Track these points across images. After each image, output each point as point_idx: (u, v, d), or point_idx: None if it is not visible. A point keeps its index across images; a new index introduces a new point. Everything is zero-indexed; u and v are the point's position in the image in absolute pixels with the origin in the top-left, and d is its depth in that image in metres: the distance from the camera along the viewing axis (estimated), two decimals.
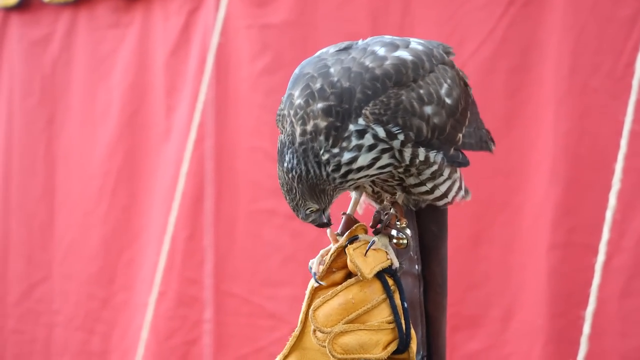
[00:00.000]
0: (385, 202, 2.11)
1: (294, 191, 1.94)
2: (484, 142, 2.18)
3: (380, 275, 1.98)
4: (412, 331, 1.99)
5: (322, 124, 1.89)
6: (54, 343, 5.07)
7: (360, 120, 1.89)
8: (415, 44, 2.02)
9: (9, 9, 5.20)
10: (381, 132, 1.90)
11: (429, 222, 2.18)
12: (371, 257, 1.98)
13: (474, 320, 3.77)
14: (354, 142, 1.89)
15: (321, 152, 1.89)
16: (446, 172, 2.03)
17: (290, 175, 1.92)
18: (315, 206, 1.96)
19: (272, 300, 4.30)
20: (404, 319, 1.97)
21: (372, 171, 1.94)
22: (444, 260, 2.20)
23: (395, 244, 2.06)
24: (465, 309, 3.78)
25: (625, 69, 3.45)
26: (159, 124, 4.74)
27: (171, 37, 4.70)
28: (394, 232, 2.07)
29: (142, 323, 4.58)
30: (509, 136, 3.73)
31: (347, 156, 1.90)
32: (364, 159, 1.91)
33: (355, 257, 1.96)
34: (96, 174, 4.91)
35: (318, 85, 1.91)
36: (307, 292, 2.01)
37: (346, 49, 2.01)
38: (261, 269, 4.34)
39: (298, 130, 1.91)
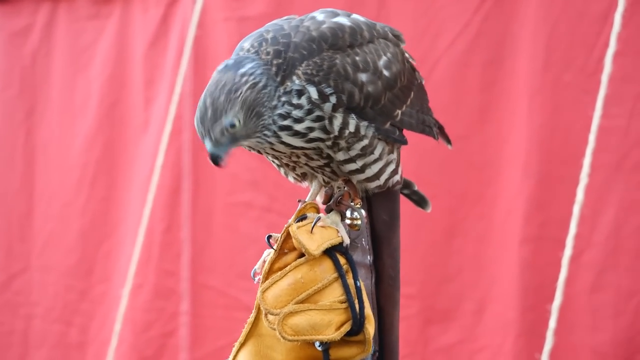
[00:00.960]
0: (339, 181, 2.06)
1: (233, 95, 1.85)
2: (427, 127, 2.16)
3: (331, 254, 1.93)
4: (369, 312, 1.94)
5: (274, 61, 1.89)
6: (32, 335, 5.06)
7: (295, 79, 1.90)
8: (357, 16, 2.05)
9: None
10: (314, 93, 1.89)
11: (380, 211, 2.12)
12: (318, 234, 1.93)
13: (447, 314, 3.79)
14: (295, 100, 1.89)
15: (276, 91, 1.88)
16: (378, 151, 2.00)
17: (244, 79, 1.86)
18: (238, 121, 1.85)
19: (249, 293, 4.30)
20: (357, 299, 1.92)
21: (298, 142, 1.90)
22: (396, 251, 2.13)
23: (349, 225, 2.02)
24: (439, 302, 3.80)
25: (597, 65, 3.46)
26: (138, 116, 4.74)
27: (150, 29, 4.69)
28: (347, 212, 2.03)
29: (120, 314, 4.58)
30: (483, 130, 3.75)
31: (297, 114, 1.89)
32: (302, 126, 1.90)
33: (299, 234, 1.90)
34: (75, 165, 4.91)
35: (270, 35, 1.93)
36: (262, 277, 1.95)
37: (291, 18, 2.03)
38: (238, 262, 4.35)
39: (262, 58, 1.90)
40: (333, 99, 1.90)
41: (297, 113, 1.89)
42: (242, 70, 1.88)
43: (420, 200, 2.37)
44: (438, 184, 3.77)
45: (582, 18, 3.54)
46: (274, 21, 2.02)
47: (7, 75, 5.19)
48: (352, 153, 1.97)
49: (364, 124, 1.95)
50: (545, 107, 3.60)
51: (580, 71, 3.54)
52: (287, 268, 1.91)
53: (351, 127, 1.94)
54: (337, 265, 1.93)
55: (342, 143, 1.95)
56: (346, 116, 1.92)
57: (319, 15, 1.99)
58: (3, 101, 5.18)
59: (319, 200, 2.10)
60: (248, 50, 1.93)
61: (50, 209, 5.02)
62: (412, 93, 2.09)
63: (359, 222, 2.03)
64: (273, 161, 2.08)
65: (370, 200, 2.10)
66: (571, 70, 3.56)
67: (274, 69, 1.89)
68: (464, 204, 3.77)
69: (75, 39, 4.99)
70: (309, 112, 1.90)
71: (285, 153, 1.97)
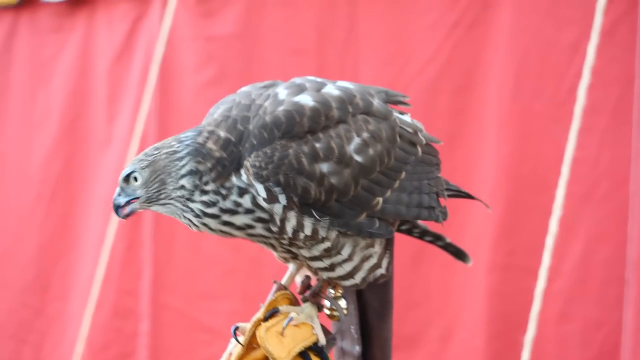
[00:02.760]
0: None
1: (151, 152, 1.78)
2: (425, 209, 1.90)
3: (304, 355, 1.79)
4: None
5: (216, 153, 1.74)
6: None
7: (242, 173, 1.72)
8: (333, 88, 1.79)
9: None
10: (262, 191, 1.70)
11: (370, 298, 1.98)
12: (290, 335, 1.77)
13: (414, 340, 3.78)
14: (234, 197, 1.72)
15: (206, 183, 1.72)
16: (346, 251, 1.78)
17: (170, 143, 1.78)
18: (140, 183, 1.78)
19: (210, 314, 4.25)
20: None
21: (238, 233, 1.76)
22: (386, 343, 2.02)
23: (328, 315, 1.88)
24: (405, 328, 3.78)
25: (567, 95, 3.48)
26: (100, 131, 4.68)
27: (114, 44, 4.64)
28: (326, 302, 1.87)
29: (77, 334, 4.51)
30: (452, 156, 3.75)
31: (226, 204, 1.72)
32: (238, 219, 1.73)
33: (267, 340, 1.75)
34: (33, 180, 4.83)
35: (234, 114, 1.77)
36: None
37: (271, 86, 1.85)
38: (200, 283, 4.30)
39: (200, 139, 1.75)
40: (283, 200, 1.70)
41: (226, 204, 1.72)
42: (182, 136, 1.78)
43: (457, 253, 2.20)
44: None
45: (553, 48, 3.56)
46: (250, 88, 1.85)
47: None
48: (315, 253, 1.78)
49: (323, 224, 1.72)
50: (514, 135, 3.62)
51: (549, 101, 3.55)
52: None
53: (307, 231, 1.74)
54: None
55: (299, 244, 1.76)
56: (300, 217, 1.72)
57: (282, 92, 1.77)
58: None
59: (299, 281, 1.94)
60: (215, 122, 1.77)
61: (6, 224, 4.94)
62: (404, 173, 1.84)
63: (337, 313, 1.89)
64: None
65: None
66: (541, 99, 3.57)
67: (209, 163, 1.73)
68: (431, 229, 3.76)
69: (36, 52, 4.92)
70: (248, 211, 1.73)
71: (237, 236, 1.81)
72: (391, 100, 1.92)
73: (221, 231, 1.76)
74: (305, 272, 1.93)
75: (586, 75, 3.27)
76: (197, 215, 1.75)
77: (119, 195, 1.83)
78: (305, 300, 1.86)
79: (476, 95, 3.74)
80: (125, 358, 4.47)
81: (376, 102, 1.84)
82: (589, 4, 3.43)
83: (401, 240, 3.76)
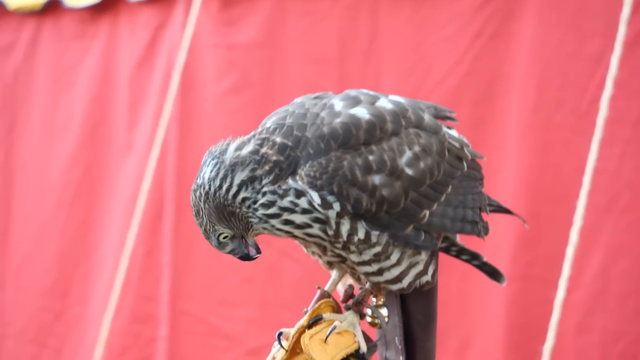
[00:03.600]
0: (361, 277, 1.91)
1: (201, 213, 1.81)
2: (469, 224, 1.95)
3: None
4: None
5: (274, 157, 1.77)
6: (4, 355, 4.99)
7: (298, 180, 1.75)
8: (387, 102, 1.83)
9: None
10: (316, 198, 1.74)
11: (414, 309, 2.00)
12: (333, 343, 1.82)
13: None
14: (291, 197, 1.76)
15: (263, 186, 1.76)
16: (395, 257, 1.83)
17: (197, 193, 1.80)
18: (227, 231, 1.82)
19: (228, 321, 4.26)
20: None
21: (298, 232, 1.79)
22: (430, 354, 2.02)
23: (370, 323, 1.92)
24: None
25: (590, 106, 3.48)
26: (121, 138, 4.71)
27: (137, 52, 4.67)
28: (368, 311, 1.91)
29: (95, 338, 4.53)
30: None
31: (283, 203, 1.76)
32: (297, 217, 1.77)
33: (311, 347, 1.80)
34: (54, 186, 4.86)
35: (290, 121, 1.80)
36: None
37: (324, 97, 1.88)
38: (218, 289, 4.31)
39: (249, 148, 1.79)
40: (337, 207, 1.75)
41: (284, 203, 1.76)
42: (198, 181, 1.81)
43: (493, 273, 2.21)
44: None
45: (575, 59, 3.56)
46: (303, 99, 1.89)
47: None
48: (365, 257, 1.82)
49: (375, 231, 1.77)
50: (535, 146, 3.61)
51: (571, 112, 3.54)
52: None
53: (360, 234, 1.78)
54: None
55: (352, 247, 1.80)
56: (354, 223, 1.76)
57: (338, 104, 1.80)
58: None
59: (341, 289, 1.98)
60: (267, 130, 1.80)
61: (27, 229, 4.97)
62: (450, 187, 1.88)
63: (379, 321, 1.92)
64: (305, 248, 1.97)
65: (404, 298, 1.97)
66: (563, 110, 3.56)
67: (267, 166, 1.76)
68: (469, 248, 3.75)
69: (59, 58, 4.96)
70: (305, 211, 1.76)
71: (294, 237, 1.85)
72: (439, 115, 1.97)
73: (286, 231, 1.80)
74: (348, 279, 1.97)
75: (609, 86, 3.26)
76: (263, 221, 1.79)
77: (237, 249, 1.87)
78: (348, 308, 1.90)
79: (497, 106, 3.74)
80: None
81: (427, 117, 1.88)
82: (613, 15, 3.42)
83: None
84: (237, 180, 1.78)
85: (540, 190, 3.59)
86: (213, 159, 1.81)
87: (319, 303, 1.88)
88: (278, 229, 1.79)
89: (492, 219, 3.66)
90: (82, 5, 4.78)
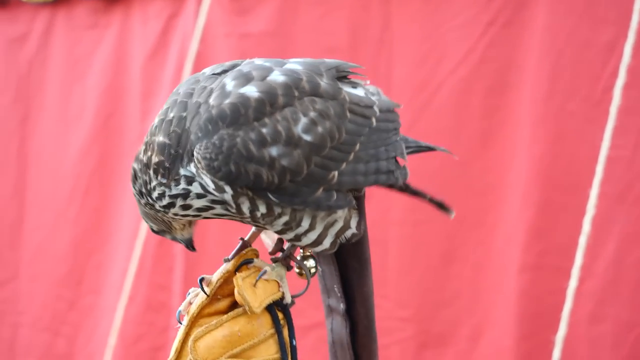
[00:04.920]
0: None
1: (140, 209, 1.86)
2: (383, 174, 1.91)
3: (270, 308, 1.85)
4: None
5: (155, 159, 1.77)
6: (18, 344, 5.02)
7: (192, 166, 1.74)
8: (279, 74, 1.80)
9: None
10: (210, 183, 1.74)
11: (348, 258, 2.01)
12: (261, 288, 1.83)
13: (443, 339, 3.78)
14: (182, 185, 1.75)
15: (151, 184, 1.77)
16: (306, 222, 1.82)
17: (135, 193, 1.84)
18: (155, 227, 1.88)
19: None
20: (292, 358, 1.85)
21: (205, 214, 1.80)
22: (368, 300, 2.02)
23: (298, 273, 1.94)
24: (435, 326, 3.79)
25: (603, 95, 3.46)
26: (134, 128, 4.72)
27: (149, 41, 4.68)
28: (295, 262, 1.93)
29: (109, 326, 4.55)
30: (484, 156, 3.75)
31: (172, 192, 1.77)
32: (195, 202, 1.77)
33: (244, 288, 1.80)
34: (68, 175, 4.88)
35: (170, 116, 1.79)
36: (186, 318, 1.86)
37: (222, 72, 1.85)
38: None
39: (140, 155, 1.82)
40: (229, 190, 1.74)
41: (173, 192, 1.77)
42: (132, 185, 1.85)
43: (441, 206, 2.16)
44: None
45: (588, 47, 3.54)
46: (197, 77, 1.87)
47: (2, 82, 5.16)
48: (277, 228, 1.82)
49: (276, 203, 1.77)
50: (547, 135, 3.60)
51: (584, 101, 3.53)
52: (225, 318, 1.82)
53: (262, 209, 1.77)
54: (276, 322, 1.85)
55: (260, 221, 1.80)
56: (254, 199, 1.75)
57: (229, 83, 1.77)
58: None
59: (266, 240, 1.99)
60: (151, 130, 1.83)
61: (41, 218, 4.99)
62: (358, 145, 1.85)
63: (304, 272, 1.94)
64: None
65: (339, 248, 1.95)
66: (575, 99, 3.55)
67: (151, 170, 1.78)
68: (463, 229, 3.76)
69: (72, 48, 4.97)
70: (200, 195, 1.76)
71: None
72: (343, 74, 1.93)
73: (193, 216, 1.82)
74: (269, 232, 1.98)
75: (622, 74, 3.25)
76: (163, 212, 1.82)
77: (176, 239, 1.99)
78: (274, 261, 1.91)
79: (510, 95, 3.72)
80: (156, 351, 4.50)
81: (324, 83, 1.84)
82: (626, 3, 3.41)
83: (431, 241, 3.78)
84: (136, 190, 1.82)
85: (552, 179, 3.58)
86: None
87: (246, 250, 1.89)
88: (183, 216, 1.81)
89: (505, 209, 3.67)
90: None
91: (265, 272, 1.84)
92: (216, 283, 1.85)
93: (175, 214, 1.80)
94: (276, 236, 1.95)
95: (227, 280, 1.86)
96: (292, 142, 1.75)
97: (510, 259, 3.62)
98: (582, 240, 3.23)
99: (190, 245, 1.96)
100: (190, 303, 1.89)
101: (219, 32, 4.40)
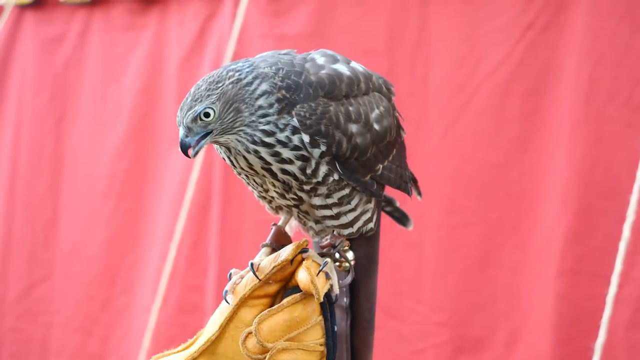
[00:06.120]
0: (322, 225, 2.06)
1: (214, 86, 1.89)
2: (404, 182, 2.16)
3: (323, 297, 1.96)
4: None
5: (282, 91, 1.89)
6: (51, 343, 5.04)
7: (294, 118, 1.89)
8: (356, 64, 2.03)
9: (24, 7, 5.19)
10: (306, 137, 1.88)
11: (359, 255, 2.14)
12: (321, 278, 1.94)
13: (479, 343, 3.75)
14: (287, 133, 1.88)
15: (274, 106, 1.87)
16: (354, 201, 2.00)
17: (229, 74, 1.89)
18: (213, 112, 1.88)
19: None
20: (333, 342, 1.97)
21: (277, 166, 1.89)
22: (372, 296, 2.18)
23: (338, 266, 2.07)
24: (471, 331, 3.76)
25: None
26: (169, 129, 4.72)
27: (186, 43, 4.68)
28: (337, 255, 2.07)
29: (142, 328, 4.55)
30: (522, 159, 3.72)
31: (280, 137, 1.88)
32: (285, 152, 1.89)
33: (317, 279, 1.92)
34: (103, 175, 4.89)
35: (285, 70, 1.91)
36: (234, 298, 1.96)
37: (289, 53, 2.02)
38: None
39: (266, 70, 1.90)
40: (323, 146, 1.90)
41: (281, 137, 1.88)
42: (232, 67, 1.91)
43: (402, 218, 2.39)
44: (474, 211, 3.74)
45: (628, 51, 3.51)
46: (275, 53, 2.01)
47: (39, 82, 5.19)
48: (329, 201, 1.97)
49: (341, 173, 1.94)
50: (586, 139, 3.57)
51: (624, 105, 3.50)
52: (285, 303, 1.94)
53: (335, 176, 1.94)
54: (325, 310, 1.96)
55: (323, 190, 1.95)
56: (331, 165, 1.92)
57: (319, 59, 1.98)
58: (34, 107, 5.18)
59: (289, 230, 2.10)
60: (270, 71, 1.92)
61: (75, 218, 5.01)
62: (395, 149, 2.08)
63: (347, 264, 2.09)
64: (253, 190, 2.08)
65: (351, 244, 2.12)
66: (615, 103, 3.52)
67: (279, 94, 1.89)
68: (500, 232, 3.73)
69: (109, 49, 4.99)
70: (296, 148, 1.89)
71: (256, 174, 1.94)
72: (388, 87, 2.13)
73: (265, 161, 1.90)
74: (293, 222, 2.11)
75: None
76: (254, 142, 1.88)
77: (186, 136, 1.93)
78: (322, 254, 2.02)
79: (549, 98, 3.69)
80: None
81: (384, 87, 2.09)
82: None
83: (467, 244, 3.75)
84: (262, 87, 1.89)
85: (592, 184, 3.55)
86: (248, 63, 1.93)
87: (302, 240, 1.99)
88: (258, 156, 1.89)
89: (543, 214, 3.64)
90: None
91: (326, 263, 1.96)
92: (272, 269, 1.95)
93: (258, 152, 1.87)
94: (295, 227, 2.11)
95: (284, 267, 1.96)
96: (367, 126, 1.95)
97: (548, 264, 3.59)
98: (622, 246, 3.20)
99: (196, 153, 1.96)
100: (236, 284, 1.98)
101: (256, 34, 4.39)
